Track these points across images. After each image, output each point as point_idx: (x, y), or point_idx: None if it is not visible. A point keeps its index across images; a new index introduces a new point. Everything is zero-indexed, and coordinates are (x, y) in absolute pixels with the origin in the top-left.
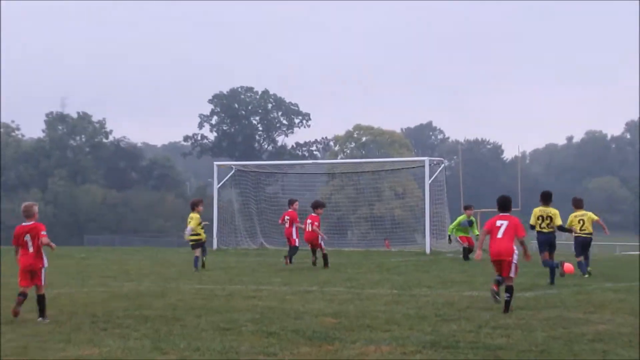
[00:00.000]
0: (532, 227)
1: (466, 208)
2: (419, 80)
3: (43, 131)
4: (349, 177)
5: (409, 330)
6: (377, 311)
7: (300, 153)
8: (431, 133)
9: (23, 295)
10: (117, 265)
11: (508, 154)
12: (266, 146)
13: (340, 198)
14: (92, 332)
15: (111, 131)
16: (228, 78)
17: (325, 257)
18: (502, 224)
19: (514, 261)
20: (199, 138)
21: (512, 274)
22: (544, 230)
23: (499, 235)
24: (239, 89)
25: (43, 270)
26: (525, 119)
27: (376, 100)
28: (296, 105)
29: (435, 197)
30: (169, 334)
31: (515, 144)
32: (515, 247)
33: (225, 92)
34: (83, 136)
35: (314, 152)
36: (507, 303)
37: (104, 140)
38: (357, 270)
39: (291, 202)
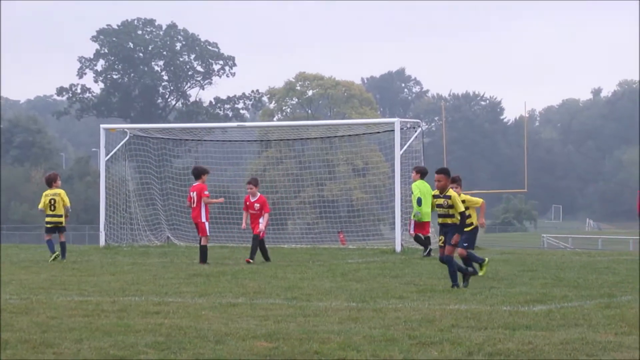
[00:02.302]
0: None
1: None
2: (388, 9)
3: None
4: (290, 145)
5: (372, 358)
6: (329, 332)
7: (221, 112)
8: (403, 85)
9: None
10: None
11: (510, 114)
12: (174, 103)
13: (277, 175)
14: None
15: None
16: (119, 6)
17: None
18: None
19: None
20: (79, 91)
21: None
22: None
23: None
24: (135, 22)
25: None
26: (535, 65)
27: (327, 38)
28: (216, 45)
29: (409, 173)
30: None
31: (521, 99)
32: None
33: (115, 26)
34: None
35: (241, 112)
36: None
37: None
38: (300, 276)
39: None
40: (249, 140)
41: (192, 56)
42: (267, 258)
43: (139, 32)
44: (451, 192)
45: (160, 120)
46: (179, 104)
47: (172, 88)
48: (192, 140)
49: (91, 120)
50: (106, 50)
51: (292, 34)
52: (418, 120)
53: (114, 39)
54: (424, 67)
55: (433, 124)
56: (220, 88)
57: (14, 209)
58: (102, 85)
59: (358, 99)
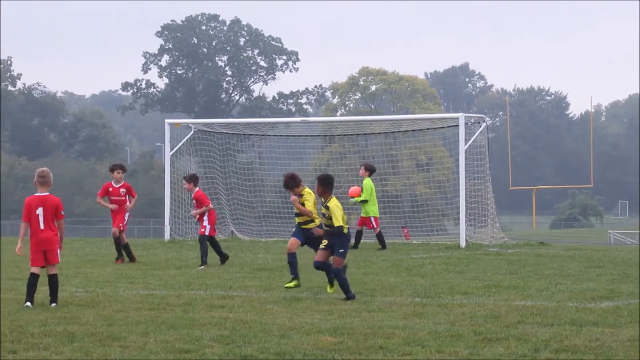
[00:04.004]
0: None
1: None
2: (452, 4)
3: None
4: (353, 140)
5: (438, 354)
6: (393, 327)
7: (284, 107)
8: (467, 79)
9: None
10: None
11: (576, 109)
12: (237, 98)
13: (340, 170)
14: None
15: (20, 75)
16: (183, 1)
17: None
18: None
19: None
20: (144, 86)
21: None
22: None
23: None
24: (199, 17)
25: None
26: (602, 59)
27: (391, 33)
28: (279, 40)
29: (474, 168)
30: (105, 359)
31: (587, 94)
32: None
33: (179, 22)
34: None
35: (304, 107)
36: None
37: (10, 88)
38: (364, 271)
39: (191, 179)
40: (312, 135)
41: (256, 51)
42: (221, 255)
43: (203, 27)
44: (331, 202)
45: (223, 115)
46: (243, 99)
47: (235, 83)
48: (256, 135)
49: (155, 115)
50: (170, 46)
51: (355, 28)
52: (483, 115)
53: (179, 34)
54: (488, 62)
55: (497, 119)
56: (283, 83)
57: (78, 202)
58: (166, 80)
59: (422, 93)
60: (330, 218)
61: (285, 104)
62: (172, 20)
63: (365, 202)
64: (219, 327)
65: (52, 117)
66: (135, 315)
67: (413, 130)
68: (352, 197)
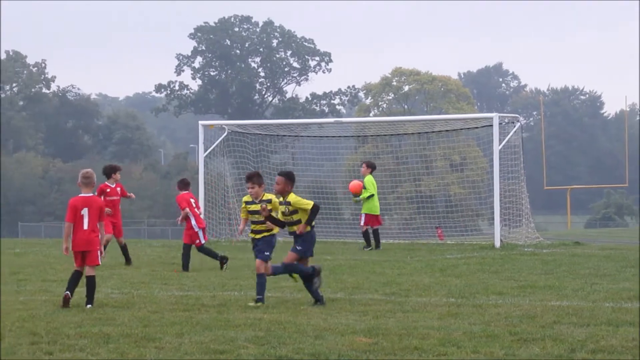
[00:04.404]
0: None
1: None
2: (485, 4)
3: None
4: (386, 141)
5: (473, 354)
6: (428, 327)
7: (317, 108)
8: (501, 79)
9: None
10: (64, 263)
11: (610, 108)
12: (270, 99)
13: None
14: (33, 357)
15: (54, 78)
16: (216, 3)
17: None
18: None
19: None
20: (177, 88)
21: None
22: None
23: None
24: (232, 19)
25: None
26: (636, 59)
27: (424, 33)
28: (312, 41)
29: (508, 168)
30: None
31: (622, 93)
32: None
33: (212, 24)
34: (15, 85)
35: (337, 107)
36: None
37: (45, 90)
38: (398, 271)
39: (183, 185)
40: (345, 136)
41: (289, 52)
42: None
43: (236, 29)
44: (292, 196)
45: (257, 116)
46: (276, 100)
47: (268, 84)
48: (289, 136)
49: (189, 116)
50: (204, 48)
51: (388, 29)
52: (517, 115)
53: (212, 36)
54: (522, 62)
55: (531, 119)
56: (316, 84)
57: None
58: (199, 82)
59: (455, 94)
60: (291, 213)
61: (318, 104)
62: (205, 22)
63: (371, 196)
64: (253, 327)
65: (86, 119)
66: (170, 317)
67: (447, 131)
68: (355, 193)
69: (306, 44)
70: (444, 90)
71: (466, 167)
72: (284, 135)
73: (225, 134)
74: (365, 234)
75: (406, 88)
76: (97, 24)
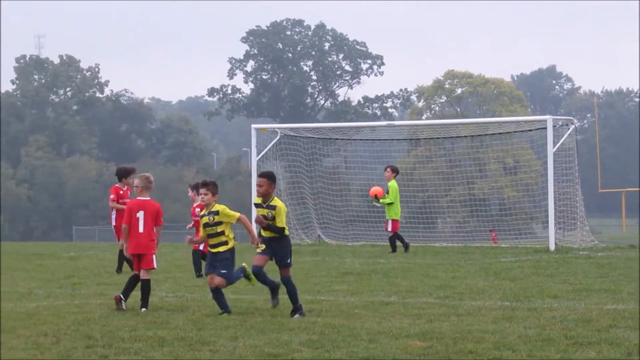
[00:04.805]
0: None
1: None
2: (538, 6)
3: (13, 82)
4: (439, 144)
5: (528, 358)
6: (483, 331)
7: (370, 111)
8: (555, 82)
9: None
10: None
11: None
12: (322, 102)
13: (426, 173)
14: None
15: (107, 82)
16: (268, 7)
17: None
18: None
19: None
20: (230, 91)
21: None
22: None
23: None
24: (284, 23)
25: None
26: None
27: (476, 36)
28: (364, 44)
29: (562, 171)
30: None
31: None
32: None
33: (264, 27)
34: (68, 89)
35: (389, 110)
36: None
37: (98, 94)
38: (452, 274)
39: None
40: (397, 139)
41: (341, 56)
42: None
43: (288, 32)
44: (277, 201)
45: (309, 119)
46: (328, 104)
47: (320, 88)
48: (341, 139)
49: (241, 120)
50: (256, 51)
51: (440, 31)
52: (571, 118)
53: (264, 39)
54: (576, 64)
55: (585, 121)
56: (368, 87)
57: (165, 208)
58: (252, 85)
59: (508, 96)
60: (273, 219)
61: (371, 107)
62: (257, 26)
63: (391, 204)
64: (307, 331)
65: (140, 123)
66: (225, 320)
67: (500, 133)
68: (377, 197)
69: (358, 47)
70: (497, 92)
71: (520, 170)
72: (336, 139)
73: (277, 137)
74: (392, 239)
75: (459, 91)
76: (148, 28)
